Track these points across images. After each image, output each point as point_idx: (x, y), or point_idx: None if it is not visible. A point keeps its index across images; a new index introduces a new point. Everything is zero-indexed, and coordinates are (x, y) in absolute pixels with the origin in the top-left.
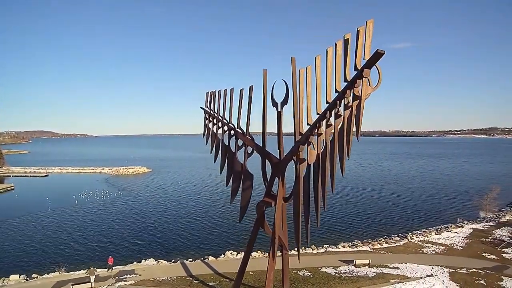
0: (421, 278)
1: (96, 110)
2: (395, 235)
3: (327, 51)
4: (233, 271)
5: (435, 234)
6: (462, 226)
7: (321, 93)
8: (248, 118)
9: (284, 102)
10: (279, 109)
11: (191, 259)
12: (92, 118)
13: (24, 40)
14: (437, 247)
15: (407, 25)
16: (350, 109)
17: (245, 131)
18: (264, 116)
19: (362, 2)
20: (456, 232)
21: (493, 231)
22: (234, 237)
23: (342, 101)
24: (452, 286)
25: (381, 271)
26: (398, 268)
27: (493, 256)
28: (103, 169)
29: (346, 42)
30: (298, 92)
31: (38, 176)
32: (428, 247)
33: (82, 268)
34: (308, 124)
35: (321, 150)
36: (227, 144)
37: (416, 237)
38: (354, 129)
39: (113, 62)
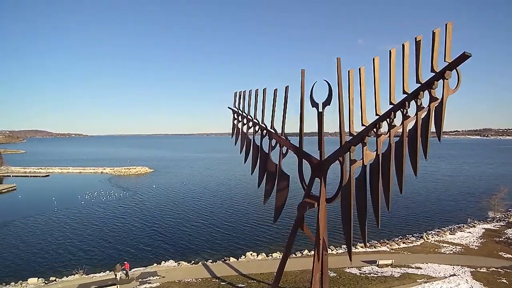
0: (445, 277)
1: (91, 110)
2: (411, 235)
3: (390, 52)
4: (258, 272)
5: (450, 234)
6: (474, 226)
7: (380, 94)
8: (284, 117)
9: (327, 102)
10: (320, 110)
11: (211, 260)
12: (87, 118)
13: (19, 40)
14: (454, 247)
15: (400, 25)
16: (426, 110)
17: (279, 132)
18: (301, 116)
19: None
20: (469, 232)
21: (505, 231)
22: (251, 237)
23: (411, 102)
24: (476, 285)
25: (405, 271)
26: (420, 268)
27: (509, 255)
28: (104, 169)
29: (418, 44)
30: (348, 93)
31: (39, 176)
32: (445, 247)
33: (102, 270)
34: (363, 125)
35: (383, 152)
36: (258, 144)
37: (432, 237)
38: (433, 129)
39: (109, 61)
